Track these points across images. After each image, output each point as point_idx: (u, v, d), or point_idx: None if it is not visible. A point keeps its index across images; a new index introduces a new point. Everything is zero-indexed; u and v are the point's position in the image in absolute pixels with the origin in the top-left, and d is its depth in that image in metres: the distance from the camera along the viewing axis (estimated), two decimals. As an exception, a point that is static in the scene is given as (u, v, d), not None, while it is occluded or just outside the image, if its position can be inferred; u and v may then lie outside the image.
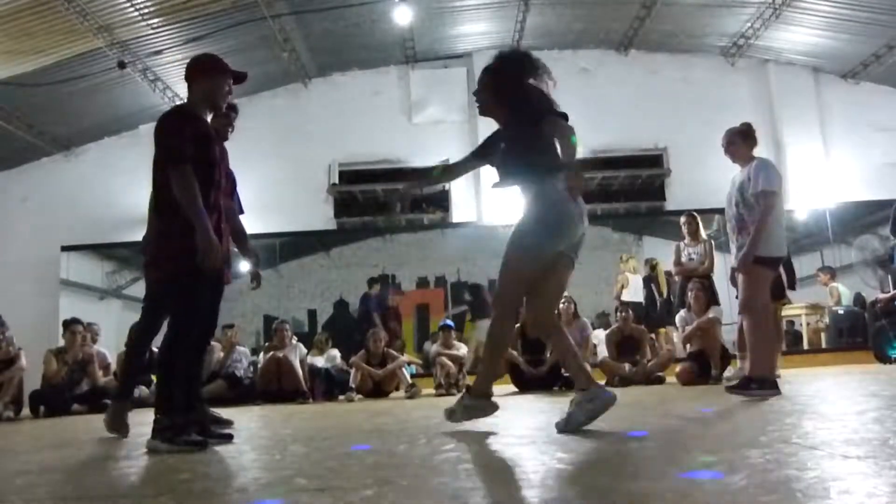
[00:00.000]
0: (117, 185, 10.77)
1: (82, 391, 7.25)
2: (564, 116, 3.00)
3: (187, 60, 3.29)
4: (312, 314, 11.32)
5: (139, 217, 3.30)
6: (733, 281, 4.66)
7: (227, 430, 3.56)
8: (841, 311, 10.16)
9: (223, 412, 4.52)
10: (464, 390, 3.45)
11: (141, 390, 7.08)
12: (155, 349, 3.55)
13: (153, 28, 9.10)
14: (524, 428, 3.26)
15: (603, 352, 7.55)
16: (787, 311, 8.93)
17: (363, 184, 11.79)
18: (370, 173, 11.75)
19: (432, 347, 8.75)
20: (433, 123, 11.62)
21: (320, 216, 11.52)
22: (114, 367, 7.73)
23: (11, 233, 11.17)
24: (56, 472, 2.51)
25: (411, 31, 10.75)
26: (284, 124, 11.52)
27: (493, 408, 3.14)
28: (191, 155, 2.96)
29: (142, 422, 3.68)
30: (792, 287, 7.32)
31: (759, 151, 4.67)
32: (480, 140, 3.43)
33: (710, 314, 6.69)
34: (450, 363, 7.54)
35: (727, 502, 1.41)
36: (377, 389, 7.65)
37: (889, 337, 8.50)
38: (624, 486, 1.61)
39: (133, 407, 4.24)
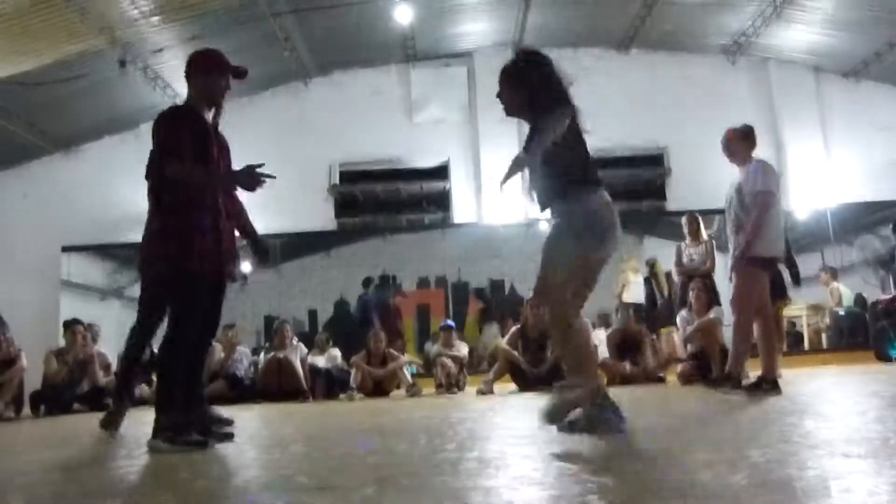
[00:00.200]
0: (117, 184, 10.75)
1: (83, 391, 7.25)
2: (574, 112, 2.90)
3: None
4: (313, 314, 11.33)
5: (140, 217, 3.30)
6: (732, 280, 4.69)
7: (227, 430, 3.56)
8: (842, 312, 10.14)
9: (224, 411, 4.52)
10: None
11: (141, 390, 7.10)
12: (155, 349, 3.55)
13: (153, 27, 9.10)
14: (524, 428, 3.25)
15: (604, 352, 7.54)
16: (788, 312, 8.91)
17: (363, 184, 11.79)
18: (370, 173, 11.75)
19: (433, 347, 8.76)
20: (434, 123, 11.61)
21: (320, 216, 11.52)
22: (114, 367, 7.73)
23: (12, 233, 11.16)
24: (56, 471, 2.51)
25: (412, 29, 10.75)
26: (285, 123, 11.51)
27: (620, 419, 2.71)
28: (189, 152, 2.95)
29: (142, 421, 3.69)
30: (797, 283, 7.34)
31: (759, 151, 4.67)
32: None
33: (711, 314, 6.68)
34: (450, 363, 7.54)
35: (728, 501, 1.40)
36: (378, 389, 7.66)
37: (890, 337, 8.49)
38: (624, 486, 1.60)
39: (132, 405, 4.25)
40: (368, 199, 11.95)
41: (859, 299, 10.40)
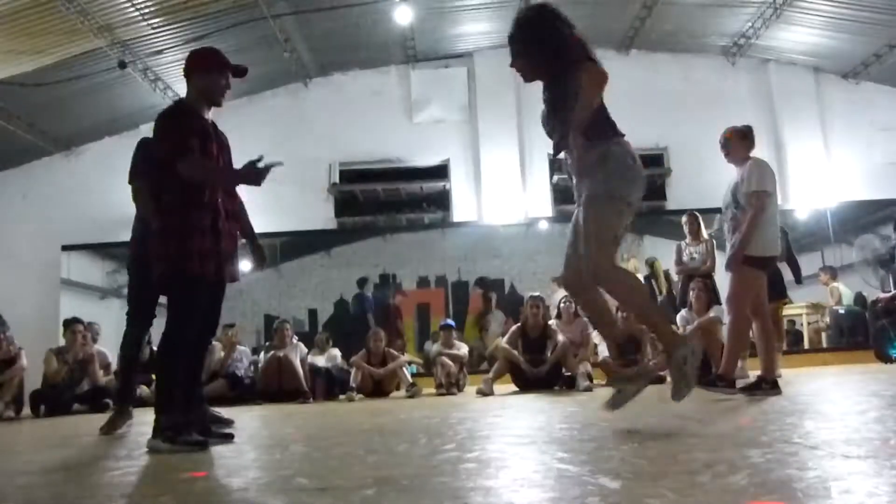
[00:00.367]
0: (117, 184, 10.60)
1: (83, 391, 7.26)
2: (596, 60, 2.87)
3: (188, 59, 3.26)
4: (313, 314, 11.32)
5: (140, 216, 3.32)
6: None
7: (227, 430, 3.56)
8: (842, 311, 10.15)
9: (224, 412, 4.53)
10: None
11: (141, 390, 7.09)
12: (155, 349, 3.55)
13: (154, 28, 9.10)
14: (524, 428, 3.25)
15: (603, 351, 7.54)
16: (788, 311, 8.92)
17: (363, 183, 11.80)
18: (370, 173, 11.76)
19: (433, 347, 8.76)
20: (434, 123, 11.61)
21: (321, 216, 11.52)
22: (114, 366, 7.73)
23: (12, 232, 11.17)
24: (57, 471, 2.51)
25: (412, 30, 10.75)
26: (285, 124, 11.52)
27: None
28: (189, 149, 2.95)
29: (142, 421, 3.69)
30: (798, 282, 7.34)
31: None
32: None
33: (712, 314, 6.68)
34: (450, 363, 7.53)
35: (728, 502, 1.40)
36: (378, 389, 7.66)
37: (890, 336, 8.50)
38: (624, 486, 1.60)
39: (133, 406, 4.25)
40: (368, 198, 11.96)
41: (859, 298, 10.41)
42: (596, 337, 8.06)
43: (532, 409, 4.53)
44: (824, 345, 10.44)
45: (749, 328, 4.57)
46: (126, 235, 4.29)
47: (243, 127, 10.28)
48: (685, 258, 7.07)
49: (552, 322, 7.49)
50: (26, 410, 7.24)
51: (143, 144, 4.14)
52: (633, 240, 11.58)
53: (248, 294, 10.89)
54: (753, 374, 4.78)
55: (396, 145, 11.60)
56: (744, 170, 4.44)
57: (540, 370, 7.02)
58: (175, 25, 9.19)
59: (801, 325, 10.63)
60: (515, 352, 7.14)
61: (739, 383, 4.56)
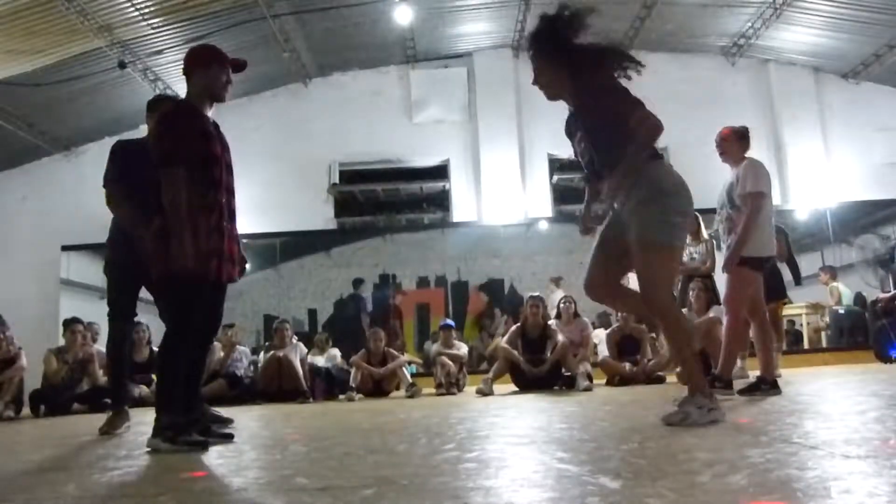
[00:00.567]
0: (117, 184, 10.74)
1: (82, 391, 7.25)
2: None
3: (187, 59, 3.25)
4: (313, 314, 11.32)
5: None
6: None
7: (227, 430, 3.56)
8: (842, 311, 10.16)
9: (223, 411, 4.53)
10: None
11: (141, 390, 7.10)
12: (155, 349, 3.55)
13: (153, 28, 9.10)
14: (524, 428, 3.25)
15: (603, 351, 7.56)
16: (787, 311, 8.92)
17: (363, 183, 11.81)
18: (370, 173, 11.78)
19: (433, 347, 8.76)
20: (433, 123, 11.62)
21: (320, 216, 11.52)
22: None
23: (12, 233, 11.18)
24: (56, 471, 2.51)
25: (412, 30, 10.75)
26: (285, 124, 11.53)
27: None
28: (186, 156, 2.93)
29: (142, 421, 3.69)
30: (797, 282, 7.33)
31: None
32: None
33: (711, 314, 6.68)
34: (450, 363, 7.54)
35: (728, 502, 1.40)
36: (377, 389, 7.67)
37: (890, 336, 8.50)
38: (624, 486, 1.60)
39: (131, 407, 4.26)
40: (368, 198, 11.97)
41: (859, 298, 10.41)
42: (596, 337, 8.09)
43: (532, 409, 4.53)
44: (824, 345, 10.45)
45: (747, 329, 4.58)
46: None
47: (243, 127, 10.31)
48: (685, 258, 7.07)
49: (552, 322, 7.50)
50: (26, 410, 7.23)
51: (115, 150, 4.16)
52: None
53: (248, 294, 10.90)
54: (753, 374, 4.78)
55: (396, 145, 11.61)
56: (739, 170, 4.44)
57: (540, 370, 7.03)
58: (175, 25, 9.19)
59: (801, 325, 10.64)
60: (515, 352, 7.15)
61: (740, 384, 4.57)
